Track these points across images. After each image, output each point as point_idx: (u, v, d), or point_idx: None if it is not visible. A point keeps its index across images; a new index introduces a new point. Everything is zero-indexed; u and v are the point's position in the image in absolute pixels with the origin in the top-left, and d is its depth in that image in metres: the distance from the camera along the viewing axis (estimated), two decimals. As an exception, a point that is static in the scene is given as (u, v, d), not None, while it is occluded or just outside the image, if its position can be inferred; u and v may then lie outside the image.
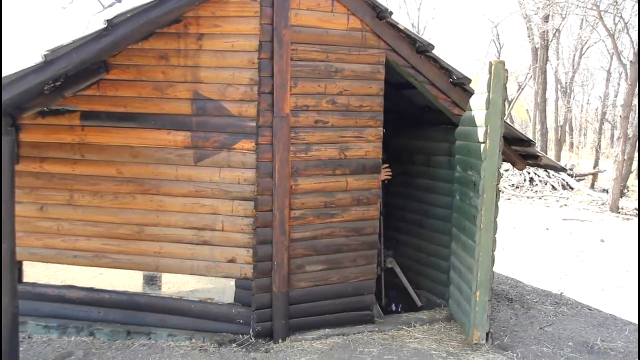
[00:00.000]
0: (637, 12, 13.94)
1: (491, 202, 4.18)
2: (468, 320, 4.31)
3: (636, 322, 5.28)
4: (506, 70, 4.18)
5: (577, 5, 15.45)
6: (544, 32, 20.46)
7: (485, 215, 4.19)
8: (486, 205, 4.19)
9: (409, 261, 5.64)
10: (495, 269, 7.02)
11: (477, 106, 4.33)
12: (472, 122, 4.38)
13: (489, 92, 4.12)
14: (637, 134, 14.42)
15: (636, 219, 12.33)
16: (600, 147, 22.50)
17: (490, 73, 4.12)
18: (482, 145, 4.16)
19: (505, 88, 4.18)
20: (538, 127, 21.81)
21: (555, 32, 21.61)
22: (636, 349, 4.58)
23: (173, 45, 4.20)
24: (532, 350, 4.44)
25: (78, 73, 3.84)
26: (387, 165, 5.04)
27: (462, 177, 4.58)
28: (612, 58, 22.13)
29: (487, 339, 4.28)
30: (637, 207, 13.49)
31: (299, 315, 4.49)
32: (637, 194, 14.96)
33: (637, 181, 15.73)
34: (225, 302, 4.49)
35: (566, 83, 26.01)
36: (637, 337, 4.86)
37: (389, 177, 5.18)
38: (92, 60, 3.82)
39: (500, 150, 4.16)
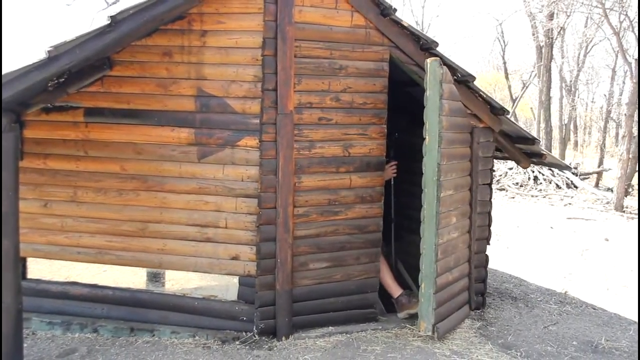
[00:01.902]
0: (638, 9, 13.88)
1: (432, 197, 4.28)
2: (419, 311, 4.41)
3: (641, 321, 5.27)
4: (442, 67, 4.26)
5: (582, 3, 15.40)
6: (548, 30, 20.38)
7: (427, 209, 4.30)
8: (428, 199, 4.29)
9: (414, 259, 5.62)
10: (499, 267, 7.07)
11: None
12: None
13: (426, 89, 4.23)
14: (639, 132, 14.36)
15: (638, 218, 12.29)
16: (605, 146, 22.42)
17: (426, 71, 4.21)
18: (424, 141, 4.26)
19: (441, 85, 4.23)
20: (542, 125, 21.73)
21: (560, 30, 21.54)
22: (641, 348, 4.56)
23: (177, 42, 4.20)
24: (536, 349, 4.42)
25: (82, 69, 3.85)
26: (394, 163, 5.02)
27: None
28: (617, 56, 22.05)
29: (433, 331, 4.31)
30: (638, 206, 13.44)
31: (303, 313, 4.48)
32: (638, 193, 14.91)
33: (638, 180, 15.66)
34: (229, 300, 4.48)
35: (571, 81, 25.94)
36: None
37: (395, 175, 5.16)
38: (96, 57, 3.82)
39: (440, 146, 4.24)
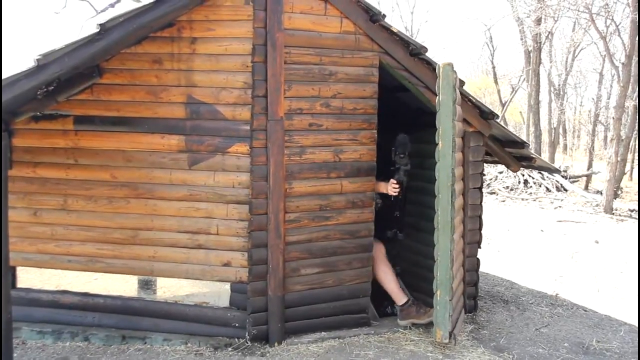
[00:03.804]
0: (628, 14, 14.02)
1: (447, 202, 4.22)
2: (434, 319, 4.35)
3: (631, 322, 5.30)
4: (455, 72, 4.22)
5: (569, 9, 15.56)
6: (536, 34, 20.57)
7: (441, 215, 4.23)
8: (442, 205, 4.23)
9: (406, 264, 5.64)
10: (490, 270, 7.09)
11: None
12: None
13: (438, 93, 4.18)
14: (630, 135, 14.49)
15: (630, 219, 12.38)
16: (593, 149, 22.60)
17: (438, 75, 4.18)
18: (437, 147, 4.23)
19: (455, 89, 4.21)
20: (532, 129, 21.89)
21: (548, 34, 21.73)
22: (632, 350, 4.59)
23: (166, 49, 4.20)
24: (528, 351, 4.44)
25: (71, 77, 3.84)
26: (394, 183, 4.76)
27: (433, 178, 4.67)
28: (604, 60, 22.25)
29: (450, 338, 4.28)
30: (631, 208, 13.55)
31: (295, 318, 4.48)
32: (632, 195, 15.04)
33: (634, 182, 15.79)
34: (221, 306, 4.47)
35: (559, 85, 26.14)
36: (632, 337, 4.88)
37: (395, 194, 4.82)
38: (85, 65, 3.82)
39: (453, 151, 4.22)
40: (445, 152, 4.19)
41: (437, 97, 4.19)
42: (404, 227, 5.17)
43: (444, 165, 4.21)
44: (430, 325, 4.81)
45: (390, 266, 4.98)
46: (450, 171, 4.21)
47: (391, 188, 4.77)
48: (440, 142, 4.20)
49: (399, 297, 4.89)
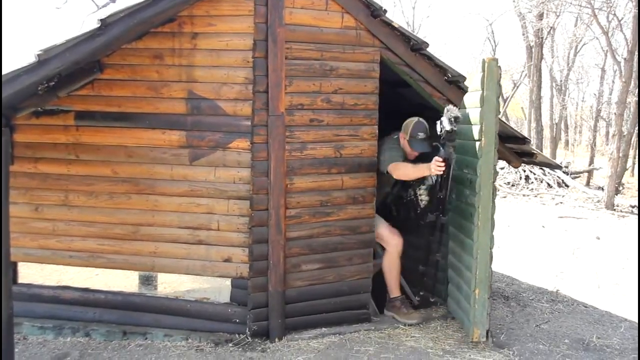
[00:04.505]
0: (631, 10, 13.98)
1: (488, 200, 4.18)
2: (468, 318, 4.31)
3: (632, 318, 5.30)
4: (499, 67, 4.16)
5: (571, 3, 15.51)
6: (538, 30, 20.50)
7: (482, 213, 4.18)
8: (483, 202, 4.18)
9: (407, 260, 5.63)
10: (491, 266, 7.07)
11: (471, 104, 4.33)
12: (466, 120, 4.38)
13: (482, 89, 4.12)
14: (632, 131, 14.47)
15: (631, 216, 12.37)
16: (595, 145, 22.54)
17: (483, 70, 4.12)
18: (478, 143, 4.16)
19: (499, 85, 4.17)
20: (533, 125, 21.84)
21: (550, 30, 21.66)
22: (632, 346, 4.59)
23: (167, 44, 4.19)
24: (529, 347, 4.45)
25: (72, 73, 3.83)
26: (441, 160, 4.31)
27: (458, 176, 4.58)
28: (606, 56, 22.15)
29: (487, 337, 4.28)
30: (632, 204, 13.54)
31: (296, 314, 4.49)
32: (633, 191, 15.02)
33: (635, 179, 15.78)
34: (222, 302, 4.48)
35: (561, 81, 26.07)
36: (633, 334, 4.88)
37: (440, 173, 4.41)
38: (86, 60, 3.81)
39: (496, 148, 4.17)
40: (489, 149, 4.13)
41: (481, 92, 4.11)
42: (447, 209, 4.86)
43: (486, 161, 4.14)
44: (430, 320, 4.83)
45: (398, 265, 4.94)
46: (492, 168, 4.15)
47: (435, 166, 4.30)
48: (483, 139, 4.12)
49: (394, 291, 4.91)
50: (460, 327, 4.72)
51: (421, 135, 4.70)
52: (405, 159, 4.76)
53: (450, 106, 4.42)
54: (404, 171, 4.58)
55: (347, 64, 4.47)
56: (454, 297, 4.76)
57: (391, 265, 4.88)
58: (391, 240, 4.86)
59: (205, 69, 4.23)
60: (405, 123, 4.80)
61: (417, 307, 5.07)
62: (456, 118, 4.33)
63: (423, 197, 4.84)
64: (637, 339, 4.73)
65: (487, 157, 4.14)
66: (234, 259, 4.37)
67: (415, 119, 4.76)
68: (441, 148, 4.61)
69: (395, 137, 4.84)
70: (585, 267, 7.46)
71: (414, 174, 4.58)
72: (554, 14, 19.18)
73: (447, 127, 4.30)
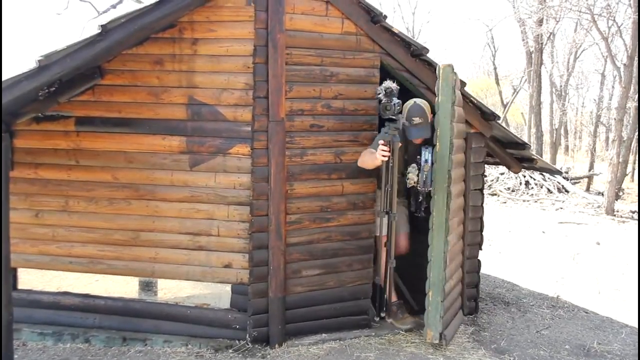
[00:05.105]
0: (630, 16, 14.01)
1: (442, 204, 4.23)
2: (425, 319, 4.37)
3: (632, 324, 5.29)
4: (455, 73, 4.21)
5: (571, 9, 15.53)
6: (538, 35, 20.54)
7: (436, 216, 4.24)
8: (437, 206, 4.24)
9: (407, 265, 5.62)
10: (492, 272, 7.08)
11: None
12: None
13: (437, 95, 4.17)
14: (632, 136, 14.48)
15: (632, 221, 12.36)
16: (595, 150, 22.57)
17: (438, 76, 4.17)
18: (434, 148, 4.23)
19: (454, 91, 4.20)
20: (533, 130, 21.85)
21: (550, 35, 21.71)
22: (633, 352, 4.58)
23: (168, 50, 4.20)
24: (529, 353, 4.43)
25: (72, 79, 3.84)
26: (383, 144, 4.10)
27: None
28: (606, 61, 22.20)
29: (440, 339, 4.29)
30: (632, 209, 13.53)
31: (296, 320, 4.48)
32: (633, 196, 15.01)
33: (635, 184, 15.77)
34: (222, 308, 4.47)
35: (561, 86, 26.11)
36: (634, 339, 4.87)
37: (385, 159, 4.20)
38: (87, 66, 3.82)
39: (450, 153, 4.21)
40: (443, 154, 4.21)
41: (437, 98, 4.18)
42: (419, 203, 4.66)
43: (441, 166, 4.23)
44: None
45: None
46: (447, 173, 4.22)
47: (379, 151, 4.10)
48: (437, 144, 4.20)
49: (391, 296, 4.87)
50: (461, 333, 4.72)
51: (416, 120, 4.43)
52: (408, 146, 4.63)
53: (388, 80, 4.21)
54: (360, 159, 4.40)
55: (347, 70, 4.48)
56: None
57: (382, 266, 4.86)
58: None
59: (206, 74, 4.24)
60: (404, 106, 4.52)
61: (418, 312, 5.05)
62: (386, 89, 4.10)
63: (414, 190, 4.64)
64: (637, 345, 4.72)
65: (442, 162, 4.21)
66: (234, 264, 4.37)
67: (412, 101, 4.52)
68: (386, 131, 4.28)
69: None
70: (586, 272, 7.45)
71: (367, 162, 4.33)
72: (554, 20, 19.22)
73: (383, 100, 4.12)
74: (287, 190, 4.36)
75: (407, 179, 4.57)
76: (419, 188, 4.50)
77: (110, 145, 4.32)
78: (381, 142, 4.15)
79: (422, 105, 4.49)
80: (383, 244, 4.67)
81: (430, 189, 4.37)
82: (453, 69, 4.20)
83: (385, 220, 4.56)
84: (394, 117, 4.21)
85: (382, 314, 4.70)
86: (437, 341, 4.29)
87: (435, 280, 4.26)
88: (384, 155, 4.12)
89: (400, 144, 4.39)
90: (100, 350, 4.29)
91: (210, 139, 4.28)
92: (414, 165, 4.55)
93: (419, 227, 5.00)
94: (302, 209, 4.44)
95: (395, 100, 4.13)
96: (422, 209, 4.63)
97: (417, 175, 4.50)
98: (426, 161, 4.37)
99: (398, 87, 4.17)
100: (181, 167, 4.31)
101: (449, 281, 4.48)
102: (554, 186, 16.32)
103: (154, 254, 4.40)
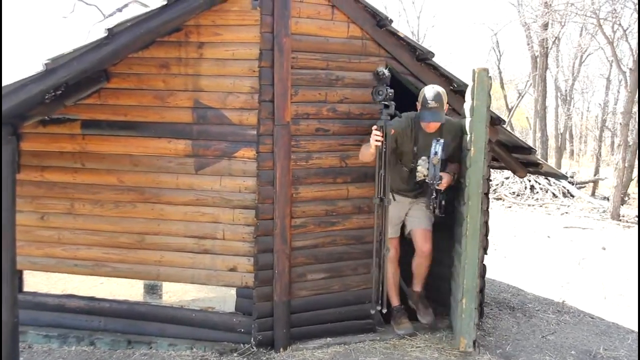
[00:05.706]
0: (636, 20, 13.98)
1: (477, 209, 4.17)
2: (456, 327, 4.31)
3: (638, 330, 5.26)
4: (489, 77, 4.17)
5: (577, 14, 15.50)
6: (543, 40, 20.52)
7: (470, 222, 4.18)
8: (472, 212, 4.18)
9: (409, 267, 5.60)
10: (497, 277, 7.06)
11: (465, 114, 4.34)
12: (465, 130, 4.38)
13: (472, 99, 4.14)
14: (637, 141, 14.43)
15: (637, 226, 12.30)
16: (600, 155, 22.49)
17: (473, 80, 4.13)
18: (468, 153, 4.18)
19: (489, 95, 4.17)
20: (538, 134, 21.83)
21: (555, 40, 21.68)
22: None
23: (174, 53, 4.21)
24: (535, 358, 4.41)
25: (79, 82, 3.85)
26: (376, 128, 4.05)
27: (458, 184, 4.58)
28: (611, 66, 22.19)
29: (474, 347, 4.26)
30: (637, 214, 13.47)
31: (301, 324, 4.47)
32: (637, 201, 14.95)
33: (637, 188, 15.72)
34: (226, 311, 4.47)
35: (566, 91, 26.04)
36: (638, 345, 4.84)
37: (378, 144, 4.11)
38: (93, 69, 3.82)
39: (485, 158, 4.17)
40: (478, 159, 4.13)
41: (471, 102, 4.14)
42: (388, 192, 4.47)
43: (475, 171, 4.15)
44: (435, 330, 4.80)
45: (397, 269, 4.89)
46: (482, 178, 4.16)
47: (372, 137, 4.04)
48: (472, 149, 4.13)
49: (393, 300, 4.87)
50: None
51: (432, 103, 4.25)
52: (417, 138, 4.51)
53: (380, 69, 4.28)
54: (360, 154, 4.39)
55: (352, 74, 4.48)
56: (452, 306, 4.74)
57: (387, 273, 4.84)
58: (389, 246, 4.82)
59: (212, 78, 4.25)
60: (420, 90, 4.47)
61: (416, 318, 5.02)
62: (377, 72, 4.17)
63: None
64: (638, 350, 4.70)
65: (476, 167, 4.15)
66: (239, 268, 4.37)
67: (430, 85, 4.41)
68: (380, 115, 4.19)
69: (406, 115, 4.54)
70: (591, 277, 7.41)
71: (364, 153, 4.31)
72: (559, 24, 19.20)
73: (379, 91, 4.14)
74: (292, 194, 4.36)
75: (417, 172, 4.56)
76: (427, 181, 4.41)
77: (116, 148, 4.33)
78: (374, 127, 4.07)
79: (440, 90, 4.35)
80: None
81: (439, 182, 4.30)
82: (488, 73, 4.15)
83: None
84: (386, 103, 4.18)
85: (378, 307, 4.50)
86: (470, 349, 4.24)
87: (470, 287, 4.20)
88: (377, 140, 4.04)
89: (393, 131, 4.26)
90: (105, 353, 4.29)
91: (216, 143, 4.28)
92: (424, 157, 4.50)
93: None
94: (308, 212, 4.44)
95: (389, 89, 4.14)
96: (441, 207, 4.48)
97: (427, 169, 4.44)
98: (435, 153, 4.25)
99: (390, 75, 4.22)
100: (187, 170, 4.31)
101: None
102: (559, 191, 16.27)
103: (159, 257, 4.40)
